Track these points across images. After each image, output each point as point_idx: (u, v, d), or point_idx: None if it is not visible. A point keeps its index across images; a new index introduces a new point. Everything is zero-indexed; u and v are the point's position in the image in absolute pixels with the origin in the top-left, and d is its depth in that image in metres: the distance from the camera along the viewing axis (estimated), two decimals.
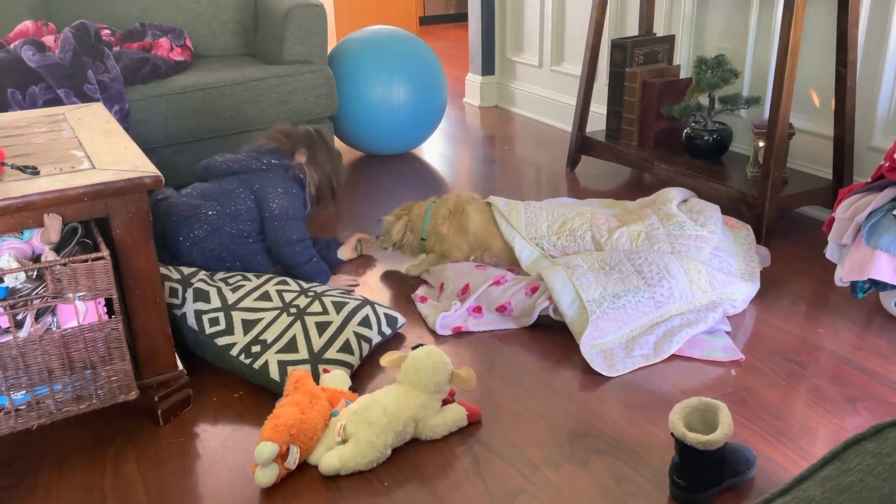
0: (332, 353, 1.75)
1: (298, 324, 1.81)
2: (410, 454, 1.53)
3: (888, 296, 1.94)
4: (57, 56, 2.54)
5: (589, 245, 2.15)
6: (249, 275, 2.02)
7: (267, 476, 1.41)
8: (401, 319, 1.97)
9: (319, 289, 1.97)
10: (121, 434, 1.62)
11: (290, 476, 1.46)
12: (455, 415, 1.58)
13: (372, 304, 1.94)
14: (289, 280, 2.01)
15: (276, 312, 1.85)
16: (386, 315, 1.93)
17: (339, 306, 1.87)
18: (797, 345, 1.88)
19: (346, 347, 1.77)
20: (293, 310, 1.86)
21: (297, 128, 2.27)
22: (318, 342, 1.76)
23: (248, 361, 1.73)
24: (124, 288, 1.54)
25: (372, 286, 2.26)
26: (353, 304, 1.90)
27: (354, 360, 1.77)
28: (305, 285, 1.99)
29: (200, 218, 2.04)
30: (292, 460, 1.44)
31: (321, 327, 1.81)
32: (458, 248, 2.23)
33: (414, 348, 1.62)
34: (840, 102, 2.39)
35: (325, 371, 1.69)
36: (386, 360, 1.63)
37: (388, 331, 1.91)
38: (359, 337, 1.82)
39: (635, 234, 2.13)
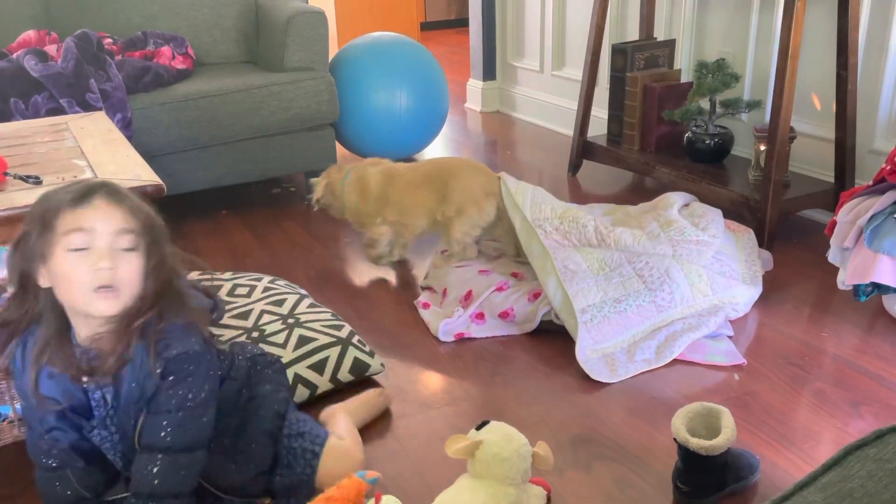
0: None
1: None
2: (418, 466, 1.53)
3: (891, 299, 1.93)
4: (59, 65, 2.55)
5: (591, 235, 2.12)
6: (254, 285, 2.00)
7: None
8: (374, 368, 1.78)
9: (305, 316, 1.86)
10: None
11: None
12: (541, 501, 1.39)
13: (348, 344, 1.78)
14: (282, 302, 1.92)
15: (238, 333, 1.76)
16: (356, 360, 1.76)
17: (303, 342, 1.76)
18: (800, 349, 1.87)
19: None
20: (256, 334, 1.78)
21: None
22: None
23: None
24: None
25: (373, 291, 2.26)
26: (321, 341, 1.77)
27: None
28: (291, 309, 1.89)
29: None
30: None
31: None
32: (368, 215, 2.32)
33: (478, 428, 1.35)
34: (841, 105, 2.39)
35: (378, 498, 1.33)
36: (453, 449, 1.31)
37: (346, 378, 1.74)
38: (300, 380, 1.69)
39: (637, 235, 2.13)
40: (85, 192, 1.11)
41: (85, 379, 1.19)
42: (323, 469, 1.35)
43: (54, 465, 1.24)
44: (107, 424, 1.23)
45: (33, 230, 1.12)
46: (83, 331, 1.17)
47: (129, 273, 1.13)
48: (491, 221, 2.23)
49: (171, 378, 1.17)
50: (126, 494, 1.28)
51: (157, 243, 1.16)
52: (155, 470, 1.17)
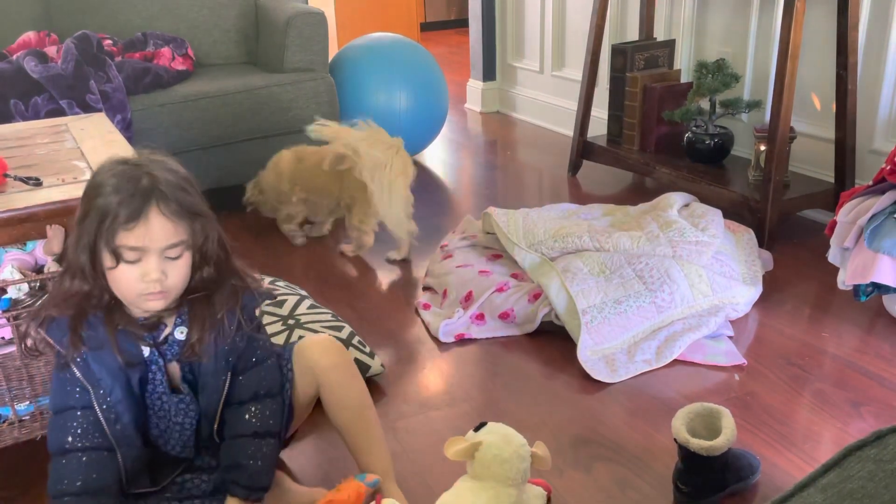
0: None
1: None
2: (418, 467, 1.53)
3: (891, 299, 1.93)
4: (59, 67, 2.55)
5: (588, 245, 2.13)
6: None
7: None
8: (374, 369, 1.78)
9: (306, 317, 1.88)
10: None
11: None
12: (542, 501, 1.39)
13: (348, 345, 1.76)
14: (282, 303, 1.92)
15: None
16: (356, 361, 1.68)
17: None
18: (800, 349, 1.87)
19: None
20: None
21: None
22: None
23: None
24: None
25: (374, 292, 2.26)
26: None
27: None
28: (291, 310, 1.90)
29: None
30: None
31: None
32: (283, 193, 2.50)
33: (476, 429, 1.34)
34: (841, 105, 2.39)
35: (378, 501, 1.35)
36: (452, 451, 1.30)
37: None
38: None
39: (636, 237, 2.13)
40: (139, 206, 1.10)
41: (146, 351, 1.21)
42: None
43: (104, 444, 1.19)
44: (180, 391, 1.25)
45: (89, 227, 1.12)
46: (135, 311, 1.21)
47: (177, 278, 1.17)
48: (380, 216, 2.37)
49: (258, 331, 1.30)
50: (152, 490, 1.27)
51: (207, 240, 1.19)
52: (256, 411, 1.26)
